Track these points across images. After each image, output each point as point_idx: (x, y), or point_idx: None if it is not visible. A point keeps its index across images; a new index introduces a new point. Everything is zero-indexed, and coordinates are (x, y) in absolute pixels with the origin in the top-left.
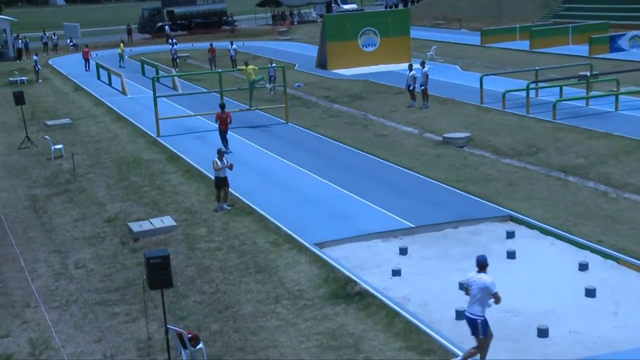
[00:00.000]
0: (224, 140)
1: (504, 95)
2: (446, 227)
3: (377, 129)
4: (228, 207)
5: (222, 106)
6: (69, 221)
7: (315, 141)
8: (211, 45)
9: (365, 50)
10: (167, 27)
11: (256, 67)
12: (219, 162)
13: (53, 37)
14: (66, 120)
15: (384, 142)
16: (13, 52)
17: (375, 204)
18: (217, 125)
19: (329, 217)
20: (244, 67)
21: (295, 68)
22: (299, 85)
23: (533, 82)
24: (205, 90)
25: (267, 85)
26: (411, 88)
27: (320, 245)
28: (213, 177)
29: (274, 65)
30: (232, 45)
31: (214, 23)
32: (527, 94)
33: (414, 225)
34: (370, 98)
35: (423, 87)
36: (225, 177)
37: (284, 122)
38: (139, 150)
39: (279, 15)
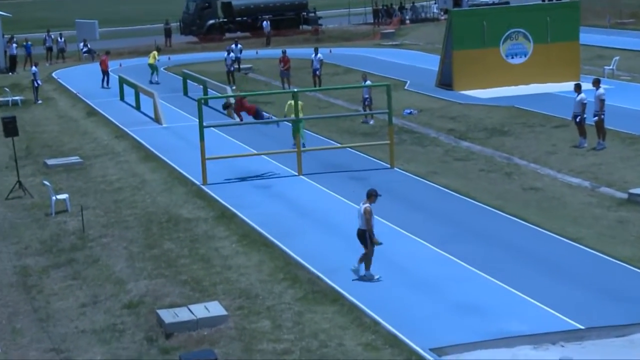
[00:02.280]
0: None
1: None
2: (634, 331)
3: (527, 179)
4: (370, 275)
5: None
6: (73, 306)
7: (433, 196)
8: (284, 53)
9: (511, 62)
10: (214, 22)
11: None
12: (369, 206)
13: (59, 39)
14: (74, 159)
15: (537, 199)
16: (4, 62)
17: (521, 292)
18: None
19: (452, 308)
20: (290, 102)
21: (406, 88)
22: (410, 113)
23: None
24: (274, 117)
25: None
26: (579, 119)
27: (439, 351)
28: (359, 229)
29: (367, 82)
30: (316, 54)
31: (289, 21)
32: None
33: (582, 327)
34: (518, 133)
35: (597, 118)
36: (365, 231)
37: (388, 166)
38: (176, 204)
39: (383, 10)
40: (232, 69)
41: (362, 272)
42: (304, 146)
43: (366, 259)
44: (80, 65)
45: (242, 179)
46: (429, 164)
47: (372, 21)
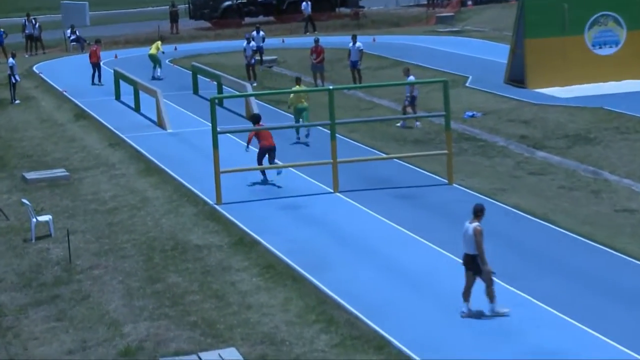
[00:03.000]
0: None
1: None
2: None
3: (620, 198)
4: (497, 309)
5: (257, 118)
6: (57, 353)
7: (501, 219)
8: (316, 42)
9: (598, 52)
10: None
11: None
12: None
13: (35, 24)
14: (59, 172)
15: (633, 223)
16: None
17: (619, 343)
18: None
19: (526, 355)
20: (295, 88)
21: (467, 84)
22: (472, 116)
23: None
24: (304, 122)
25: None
26: None
27: None
28: (467, 254)
29: (411, 78)
30: (354, 44)
31: (322, 3)
32: None
33: None
34: (607, 141)
35: None
36: (476, 256)
37: (445, 182)
38: (183, 228)
39: None
40: (252, 61)
41: (488, 308)
42: (307, 137)
43: (488, 289)
44: (67, 57)
45: (265, 197)
46: (496, 179)
47: (425, 2)
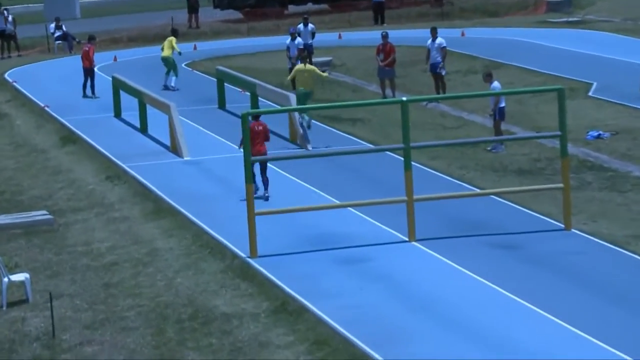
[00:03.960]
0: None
1: None
2: None
3: None
4: None
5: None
6: None
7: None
8: (384, 37)
9: None
10: None
11: (319, 72)
12: None
13: (8, 19)
14: (40, 216)
15: None
16: None
17: None
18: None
19: None
20: (302, 66)
21: (591, 94)
22: (599, 136)
23: None
24: (369, 145)
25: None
26: None
27: None
28: None
29: (495, 84)
30: (434, 39)
31: None
32: None
33: None
34: None
35: None
36: None
37: (561, 226)
38: (206, 290)
39: None
40: (298, 63)
41: None
42: (308, 127)
43: None
44: (50, 61)
45: (316, 248)
46: (630, 223)
47: None
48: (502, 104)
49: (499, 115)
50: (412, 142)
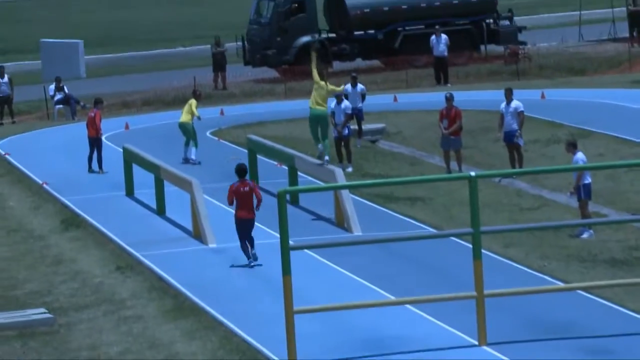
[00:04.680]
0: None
1: None
2: None
3: None
4: None
5: (243, 171)
6: None
7: None
8: (449, 99)
9: None
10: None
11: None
12: None
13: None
14: (37, 314)
15: None
16: None
17: None
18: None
19: None
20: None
21: None
22: None
23: None
24: (430, 229)
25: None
26: None
27: None
28: None
29: (579, 156)
30: (509, 102)
31: (458, 37)
32: None
33: None
34: None
35: None
36: None
37: None
38: None
39: None
40: (347, 132)
41: None
42: (327, 162)
43: None
44: (50, 129)
45: (369, 354)
46: None
47: (626, 35)
48: (588, 180)
49: (584, 193)
50: (482, 226)
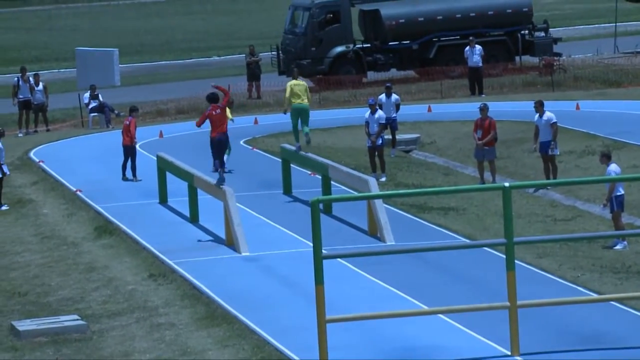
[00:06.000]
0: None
1: None
2: None
3: None
4: None
5: (214, 98)
6: None
7: None
8: (483, 110)
9: None
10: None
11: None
12: None
13: (34, 84)
14: (70, 321)
15: None
16: None
17: None
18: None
19: None
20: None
21: None
22: None
23: None
24: (463, 239)
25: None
26: None
27: None
28: None
29: (612, 167)
30: (541, 116)
31: (492, 47)
32: None
33: None
34: None
35: None
36: None
37: None
38: None
39: None
40: (380, 142)
41: None
42: (308, 143)
43: None
44: (84, 137)
45: None
46: None
47: None
48: (620, 192)
49: (616, 205)
50: (515, 236)
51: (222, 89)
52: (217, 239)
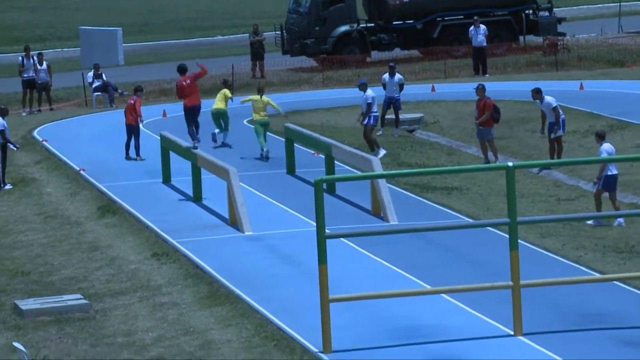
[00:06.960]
0: (192, 126)
1: None
2: None
3: None
4: None
5: (183, 69)
6: None
7: None
8: (479, 90)
9: None
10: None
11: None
12: None
13: (37, 63)
14: (73, 300)
15: None
16: None
17: None
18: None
19: None
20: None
21: None
22: None
23: None
24: (467, 219)
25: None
26: None
27: None
28: None
29: (605, 147)
30: (541, 102)
31: (496, 27)
32: None
33: None
34: None
35: None
36: None
37: None
38: None
39: None
40: (366, 121)
41: None
42: (267, 158)
43: None
44: (87, 116)
45: (403, 342)
46: None
47: None
48: (612, 171)
49: (603, 184)
50: (519, 216)
51: (202, 67)
52: (220, 219)
